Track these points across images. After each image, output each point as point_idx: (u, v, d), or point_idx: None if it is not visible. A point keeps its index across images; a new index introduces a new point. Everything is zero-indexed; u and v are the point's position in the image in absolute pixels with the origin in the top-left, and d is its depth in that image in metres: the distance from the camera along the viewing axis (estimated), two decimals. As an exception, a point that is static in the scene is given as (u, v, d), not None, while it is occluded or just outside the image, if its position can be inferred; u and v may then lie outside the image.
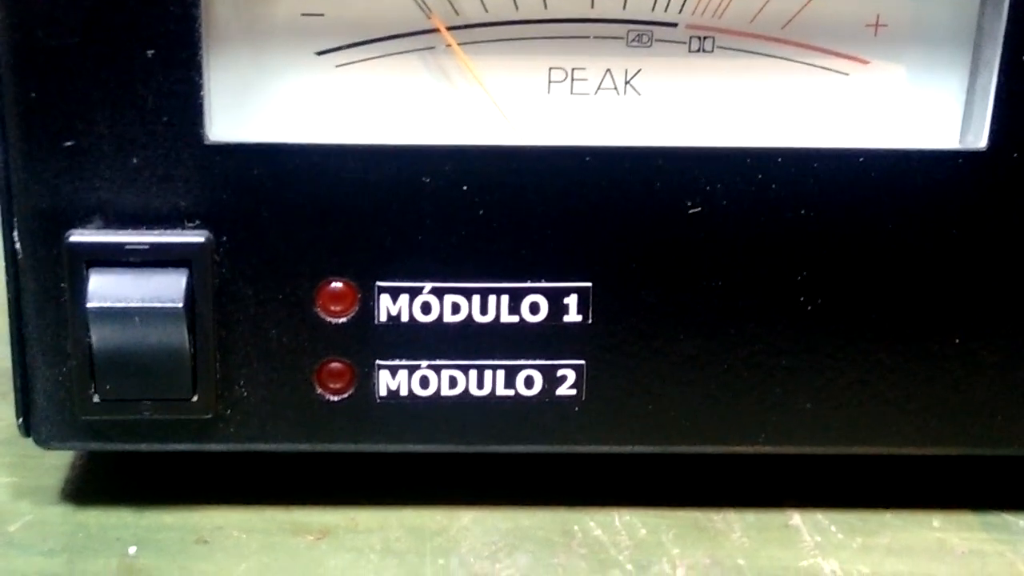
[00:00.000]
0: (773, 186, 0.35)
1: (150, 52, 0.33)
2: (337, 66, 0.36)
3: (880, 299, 0.37)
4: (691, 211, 0.36)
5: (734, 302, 0.37)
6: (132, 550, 0.37)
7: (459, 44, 0.36)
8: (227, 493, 0.40)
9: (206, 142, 0.34)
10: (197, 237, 0.35)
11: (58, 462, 0.41)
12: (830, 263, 0.36)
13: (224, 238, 0.35)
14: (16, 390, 0.37)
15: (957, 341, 0.37)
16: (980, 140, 0.36)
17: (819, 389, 0.38)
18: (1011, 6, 0.34)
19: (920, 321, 0.37)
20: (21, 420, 0.37)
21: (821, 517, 0.40)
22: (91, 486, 0.40)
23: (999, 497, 0.41)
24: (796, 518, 0.40)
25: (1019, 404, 0.38)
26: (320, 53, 0.36)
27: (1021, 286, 0.37)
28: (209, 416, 0.37)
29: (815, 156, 0.35)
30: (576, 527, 0.39)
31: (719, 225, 0.36)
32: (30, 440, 0.38)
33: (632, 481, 0.41)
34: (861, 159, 0.35)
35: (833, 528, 0.39)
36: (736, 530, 0.39)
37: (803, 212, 0.36)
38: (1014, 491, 0.41)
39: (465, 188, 0.35)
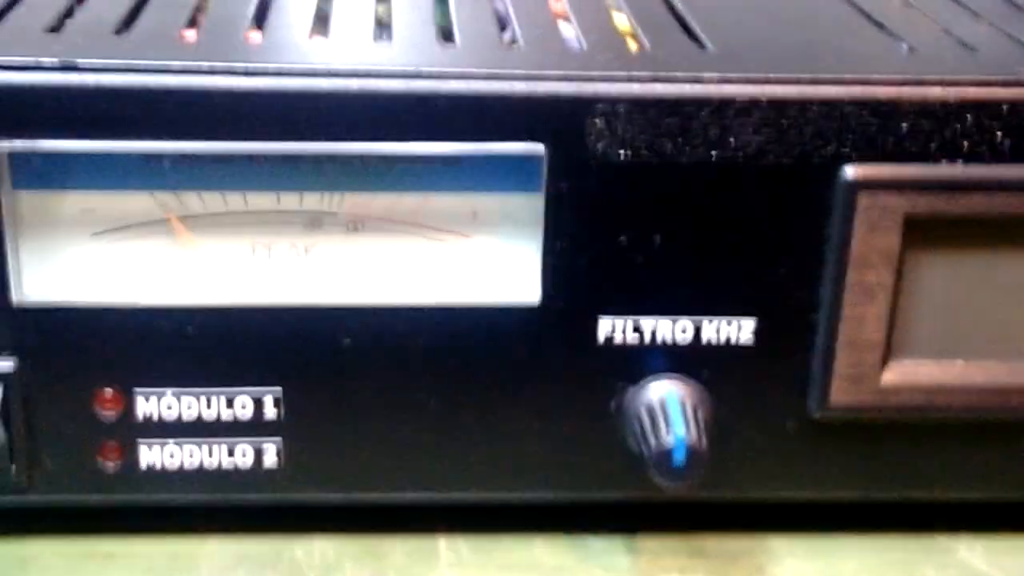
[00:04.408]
0: (400, 327, 0.53)
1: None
2: (109, 243, 0.53)
3: (470, 395, 0.55)
4: (345, 343, 0.53)
5: (380, 399, 0.54)
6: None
7: (186, 227, 0.53)
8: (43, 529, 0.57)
9: (13, 304, 0.52)
10: (8, 363, 0.53)
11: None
12: (438, 378, 0.54)
13: (28, 363, 0.53)
14: None
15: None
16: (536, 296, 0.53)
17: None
18: (545, 205, 0.52)
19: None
20: None
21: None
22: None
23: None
24: (442, 542, 0.57)
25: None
26: (96, 234, 0.53)
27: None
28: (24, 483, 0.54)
29: (427, 309, 0.53)
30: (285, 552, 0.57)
31: (367, 351, 0.54)
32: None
33: (327, 513, 0.58)
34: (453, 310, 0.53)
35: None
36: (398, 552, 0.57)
37: (423, 344, 0.54)
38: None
39: (190, 328, 0.53)
